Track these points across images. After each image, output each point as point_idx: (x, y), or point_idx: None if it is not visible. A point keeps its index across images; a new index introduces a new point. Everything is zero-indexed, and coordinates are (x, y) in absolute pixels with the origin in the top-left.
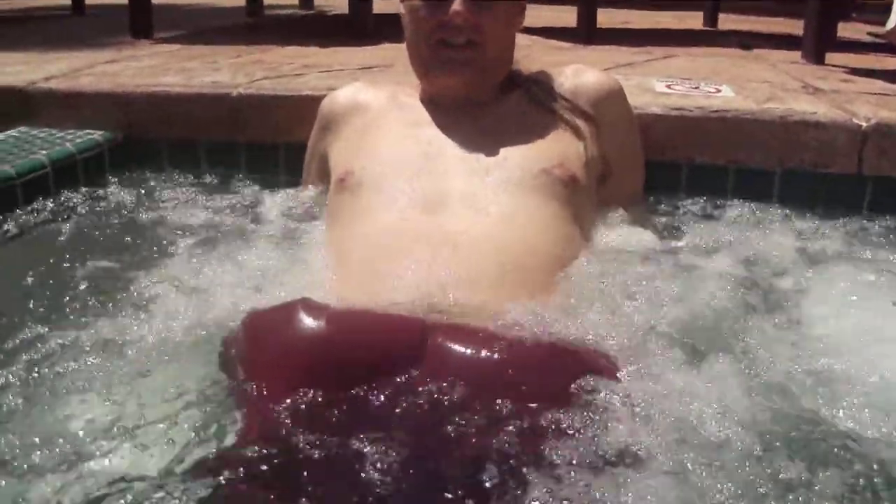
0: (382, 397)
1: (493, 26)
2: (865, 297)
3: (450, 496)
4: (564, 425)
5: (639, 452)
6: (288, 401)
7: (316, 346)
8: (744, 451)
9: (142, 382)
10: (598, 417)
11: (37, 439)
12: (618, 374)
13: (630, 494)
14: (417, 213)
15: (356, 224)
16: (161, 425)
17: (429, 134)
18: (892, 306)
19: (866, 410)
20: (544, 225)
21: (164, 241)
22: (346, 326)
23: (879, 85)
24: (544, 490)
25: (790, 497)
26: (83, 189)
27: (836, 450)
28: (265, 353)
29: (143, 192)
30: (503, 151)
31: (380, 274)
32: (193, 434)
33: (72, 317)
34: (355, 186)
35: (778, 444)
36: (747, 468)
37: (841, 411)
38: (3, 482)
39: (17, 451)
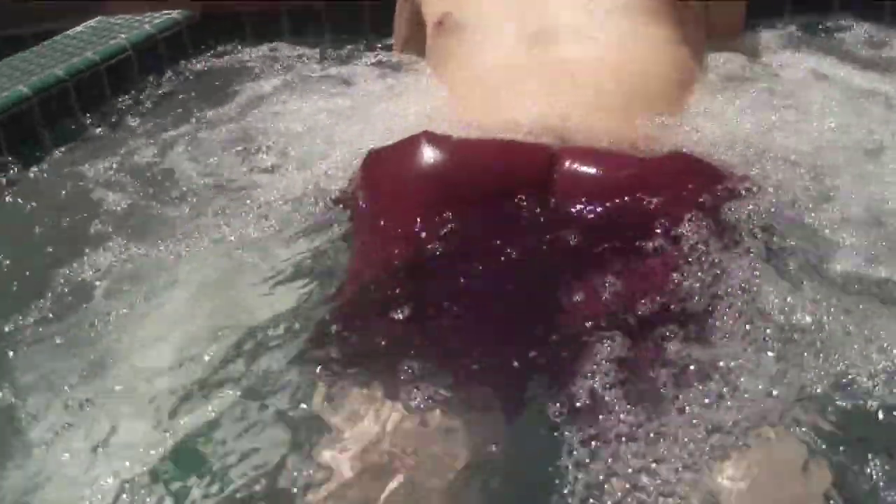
0: (511, 225)
1: None
2: None
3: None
4: (701, 242)
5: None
6: (417, 229)
7: (444, 175)
8: None
9: (269, 233)
10: (736, 230)
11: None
12: (752, 188)
13: None
14: (527, 48)
15: (464, 65)
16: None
17: None
18: None
19: None
20: (657, 48)
21: (262, 103)
22: (473, 154)
23: None
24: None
25: None
26: (167, 68)
27: None
28: (391, 185)
29: (225, 67)
30: None
31: (499, 109)
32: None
33: (193, 177)
34: (455, 28)
35: None
36: None
37: None
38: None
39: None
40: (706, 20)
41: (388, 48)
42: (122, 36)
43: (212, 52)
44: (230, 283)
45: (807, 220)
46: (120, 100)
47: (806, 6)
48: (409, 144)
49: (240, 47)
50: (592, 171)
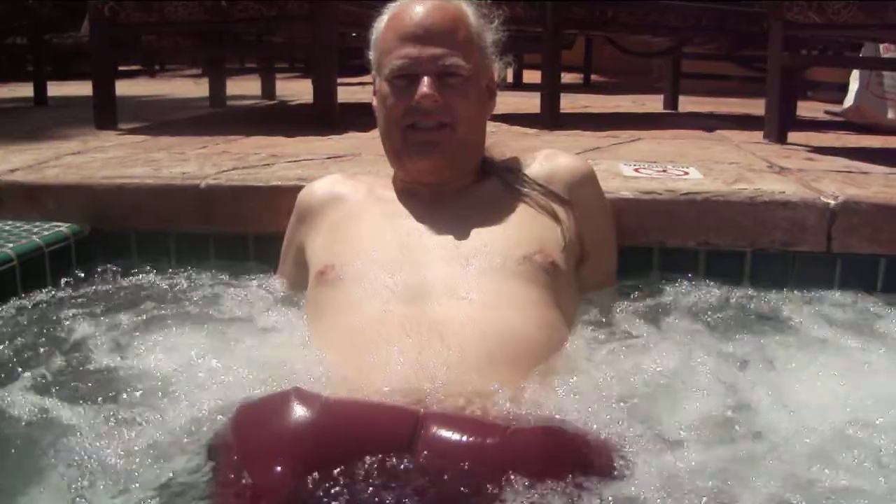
0: (376, 488)
1: (462, 106)
2: (838, 374)
3: None
4: None
5: None
6: (282, 492)
7: (310, 435)
8: None
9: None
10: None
11: None
12: (612, 455)
13: None
14: (401, 305)
15: (339, 317)
16: None
17: (407, 225)
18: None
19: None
20: (527, 310)
21: (136, 335)
22: (341, 416)
23: (842, 162)
24: None
25: None
26: (50, 283)
27: None
28: (258, 445)
29: (111, 285)
30: (482, 239)
31: (367, 365)
32: None
33: (39, 410)
34: (336, 280)
35: None
36: None
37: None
38: None
39: None
40: (580, 276)
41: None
42: (9, 245)
43: (98, 270)
44: None
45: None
46: None
47: (673, 268)
48: (279, 401)
49: (126, 268)
50: (455, 438)
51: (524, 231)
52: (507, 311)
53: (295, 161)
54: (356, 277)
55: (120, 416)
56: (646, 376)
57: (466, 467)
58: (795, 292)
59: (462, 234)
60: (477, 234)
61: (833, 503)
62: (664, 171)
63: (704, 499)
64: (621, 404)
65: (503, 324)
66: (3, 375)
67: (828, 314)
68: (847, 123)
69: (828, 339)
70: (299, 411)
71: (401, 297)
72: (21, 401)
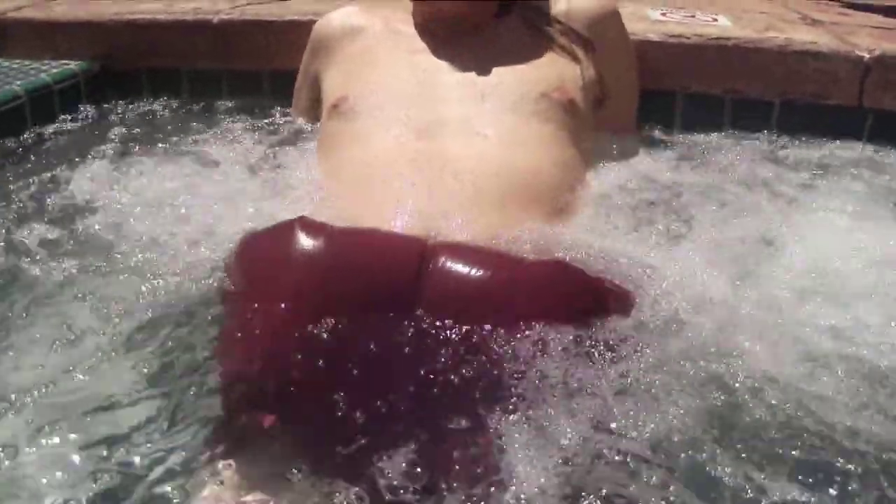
0: (383, 322)
1: None
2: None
3: (447, 430)
4: (570, 349)
5: (644, 385)
6: (285, 321)
7: (317, 264)
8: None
9: (136, 318)
10: (606, 343)
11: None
12: (627, 299)
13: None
14: (414, 140)
15: (351, 150)
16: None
17: (424, 61)
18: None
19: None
20: (544, 148)
21: (147, 173)
22: (348, 244)
23: (877, 19)
24: (544, 422)
25: None
26: (60, 120)
27: None
28: (263, 273)
29: (122, 122)
30: (499, 76)
31: (377, 198)
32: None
33: (45, 255)
34: (349, 112)
35: None
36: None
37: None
38: None
39: None
40: (599, 118)
41: (286, 115)
42: (17, 83)
43: (108, 107)
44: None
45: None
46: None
47: (697, 114)
48: (284, 230)
49: (137, 105)
50: (465, 269)
51: (542, 69)
52: (522, 149)
53: None
54: (370, 110)
55: (126, 254)
56: (661, 225)
57: (476, 299)
58: (824, 144)
59: (479, 71)
60: (494, 71)
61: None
62: (692, 16)
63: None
64: (636, 251)
65: (518, 162)
66: (8, 215)
67: (856, 166)
68: None
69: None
70: (304, 239)
71: (415, 131)
72: (25, 243)
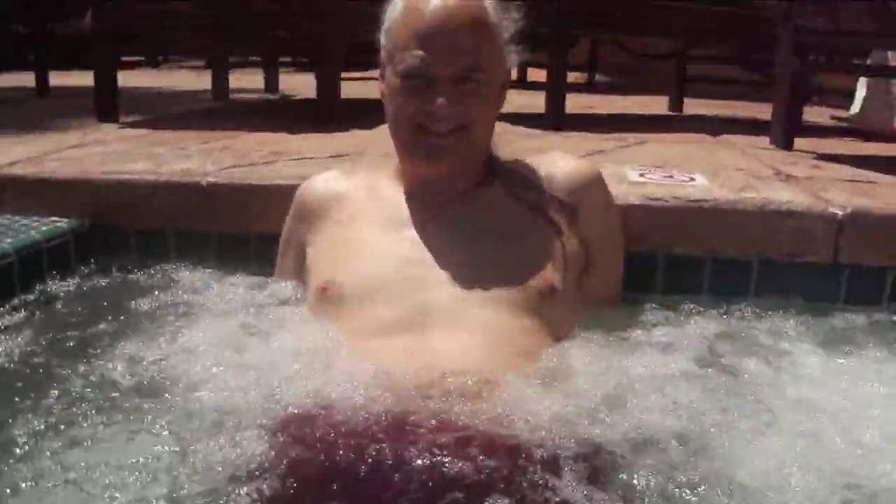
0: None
1: (478, 108)
2: (845, 387)
3: None
4: None
5: None
6: None
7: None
8: None
9: None
10: None
11: None
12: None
13: None
14: (401, 330)
15: (339, 333)
16: None
17: (410, 236)
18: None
19: None
20: (525, 338)
21: (136, 334)
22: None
23: (849, 171)
24: None
25: None
26: (48, 278)
27: None
28: None
29: (110, 282)
30: (483, 262)
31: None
32: None
33: (38, 420)
34: (337, 299)
35: None
36: None
37: None
38: None
39: None
40: (584, 287)
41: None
42: (8, 241)
43: (97, 266)
44: None
45: None
46: None
47: (678, 276)
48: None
49: (126, 265)
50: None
51: (525, 253)
52: (503, 343)
53: (298, 159)
54: (358, 300)
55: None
56: (640, 397)
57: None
58: (801, 302)
59: (464, 255)
60: (478, 256)
61: None
62: (670, 176)
63: None
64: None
65: (498, 356)
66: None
67: (833, 326)
68: (852, 130)
69: (834, 350)
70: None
71: (402, 324)
72: (23, 407)
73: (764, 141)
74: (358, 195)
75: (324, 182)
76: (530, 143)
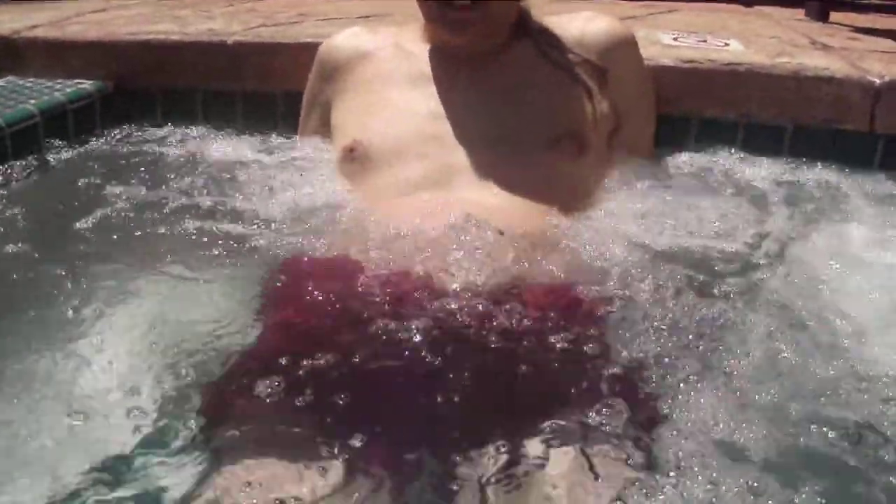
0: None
1: None
2: (875, 254)
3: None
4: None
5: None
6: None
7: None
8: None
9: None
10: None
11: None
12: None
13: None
14: (430, 186)
15: (367, 198)
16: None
17: (437, 95)
18: None
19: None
20: (555, 193)
21: (161, 196)
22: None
23: (887, 43)
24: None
25: None
26: (73, 140)
27: None
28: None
29: (137, 143)
30: (512, 119)
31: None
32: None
33: (66, 272)
34: (364, 159)
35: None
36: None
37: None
38: None
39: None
40: (615, 143)
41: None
42: (32, 102)
43: (123, 128)
44: None
45: None
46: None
47: (710, 139)
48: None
49: (151, 126)
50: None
51: (554, 110)
52: (534, 197)
53: (325, 19)
54: (384, 159)
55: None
56: (671, 255)
57: None
58: (835, 169)
59: (492, 113)
60: (508, 112)
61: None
62: (704, 41)
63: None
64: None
65: (530, 210)
66: (21, 235)
67: (868, 193)
68: (889, 6)
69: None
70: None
71: (429, 181)
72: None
73: (799, 13)
74: (383, 52)
75: (347, 39)
76: (560, 6)
